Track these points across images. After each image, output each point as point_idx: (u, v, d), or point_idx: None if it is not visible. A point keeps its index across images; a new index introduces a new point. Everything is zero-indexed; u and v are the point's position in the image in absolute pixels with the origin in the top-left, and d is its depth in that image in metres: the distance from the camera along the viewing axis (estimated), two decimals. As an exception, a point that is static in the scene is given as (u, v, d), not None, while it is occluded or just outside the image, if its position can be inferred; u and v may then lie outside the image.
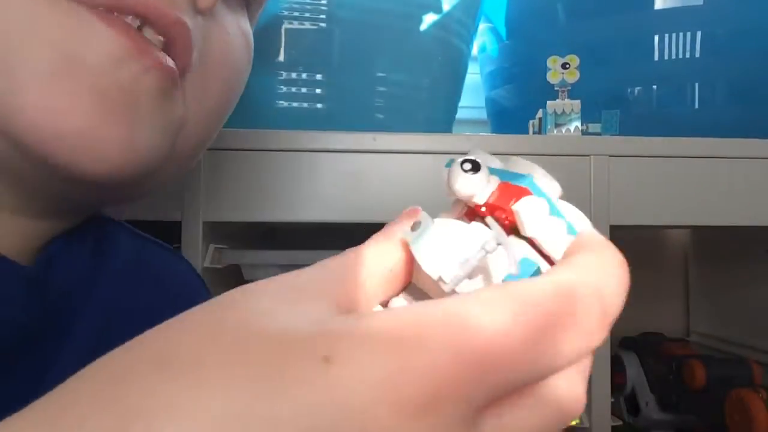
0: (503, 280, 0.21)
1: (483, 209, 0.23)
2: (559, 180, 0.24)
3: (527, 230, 0.22)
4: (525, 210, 0.22)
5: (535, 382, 0.19)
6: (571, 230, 0.23)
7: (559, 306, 0.18)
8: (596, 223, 0.80)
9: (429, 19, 0.77)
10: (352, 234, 0.66)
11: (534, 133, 0.81)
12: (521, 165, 0.24)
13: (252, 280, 0.20)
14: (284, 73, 0.73)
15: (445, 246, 0.21)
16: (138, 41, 0.30)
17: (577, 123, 0.77)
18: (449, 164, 0.24)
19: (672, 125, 0.83)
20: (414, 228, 0.22)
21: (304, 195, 0.67)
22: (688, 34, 0.83)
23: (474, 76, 1.06)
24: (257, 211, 0.67)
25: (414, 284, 0.23)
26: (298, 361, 0.16)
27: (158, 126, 0.32)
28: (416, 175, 0.68)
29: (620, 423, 0.74)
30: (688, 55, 0.83)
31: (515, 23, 0.95)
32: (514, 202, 0.22)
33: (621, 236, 0.76)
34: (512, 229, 0.23)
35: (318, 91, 0.74)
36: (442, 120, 0.87)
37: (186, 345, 0.17)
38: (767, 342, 0.99)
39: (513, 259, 0.20)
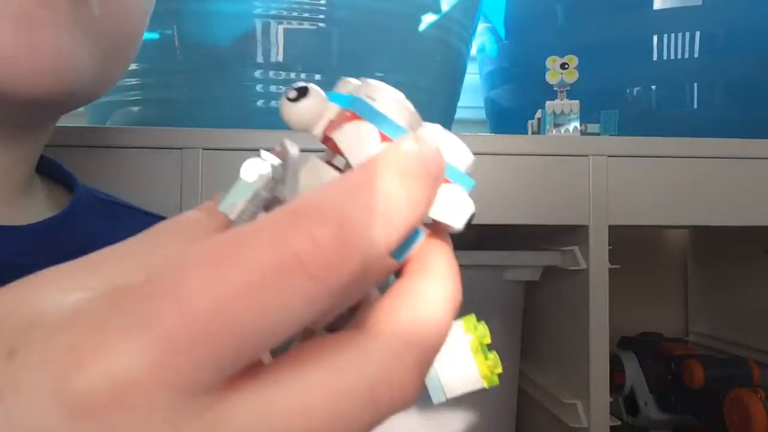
0: None
1: (328, 145, 0.20)
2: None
3: (351, 160, 0.19)
4: (345, 137, 0.19)
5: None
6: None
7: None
8: (595, 224, 0.79)
9: (428, 19, 0.77)
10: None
11: (533, 133, 0.81)
12: (366, 86, 0.21)
13: None
14: (283, 74, 0.73)
15: (239, 184, 0.18)
16: None
17: (576, 123, 0.77)
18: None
19: (671, 125, 0.83)
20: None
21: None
22: (687, 34, 0.83)
23: (473, 76, 1.06)
24: (256, 211, 0.66)
25: None
26: None
27: (82, 35, 0.32)
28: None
29: (619, 423, 0.74)
30: (686, 56, 0.83)
31: (514, 23, 0.95)
32: (336, 131, 0.19)
33: (620, 236, 0.76)
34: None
35: (317, 91, 0.74)
36: (441, 120, 0.86)
37: None
38: (766, 342, 0.99)
39: (296, 187, 0.18)
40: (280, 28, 0.72)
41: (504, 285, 0.84)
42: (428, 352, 0.18)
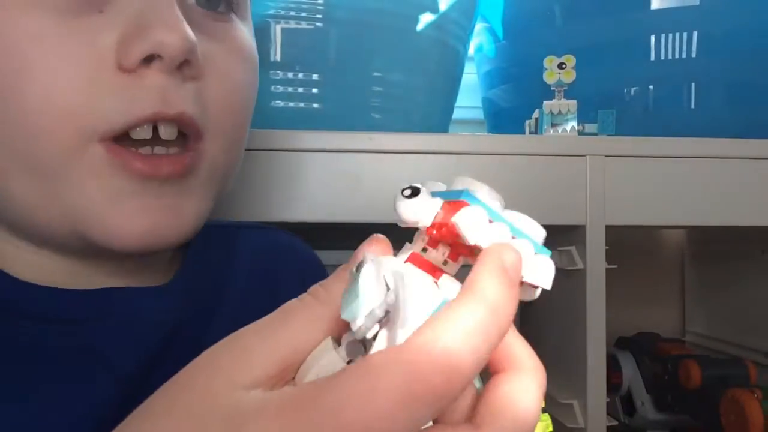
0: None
1: (434, 232, 0.24)
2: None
3: (468, 238, 0.23)
4: (463, 219, 0.23)
5: None
6: (516, 233, 0.24)
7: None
8: (592, 224, 0.79)
9: (425, 19, 0.77)
10: (347, 234, 0.66)
11: (530, 133, 0.81)
12: (460, 182, 0.25)
13: None
14: (281, 73, 0.73)
15: (359, 296, 0.23)
16: (150, 162, 0.36)
17: (574, 123, 0.77)
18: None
19: (668, 125, 0.83)
20: (358, 269, 0.24)
21: (299, 195, 0.67)
22: (685, 34, 0.83)
23: (470, 76, 1.06)
24: (252, 211, 0.66)
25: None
26: None
27: (194, 193, 0.39)
28: (412, 175, 0.68)
29: (616, 423, 0.74)
30: (684, 56, 0.83)
31: (512, 23, 0.95)
32: (455, 215, 0.23)
33: (617, 236, 0.76)
34: (469, 251, 0.24)
35: (314, 90, 0.74)
36: (439, 120, 0.87)
37: None
38: (763, 342, 0.99)
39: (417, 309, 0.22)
40: (278, 27, 0.72)
41: (501, 285, 0.83)
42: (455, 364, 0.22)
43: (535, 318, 0.90)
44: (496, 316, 0.22)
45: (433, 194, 0.25)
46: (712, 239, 1.15)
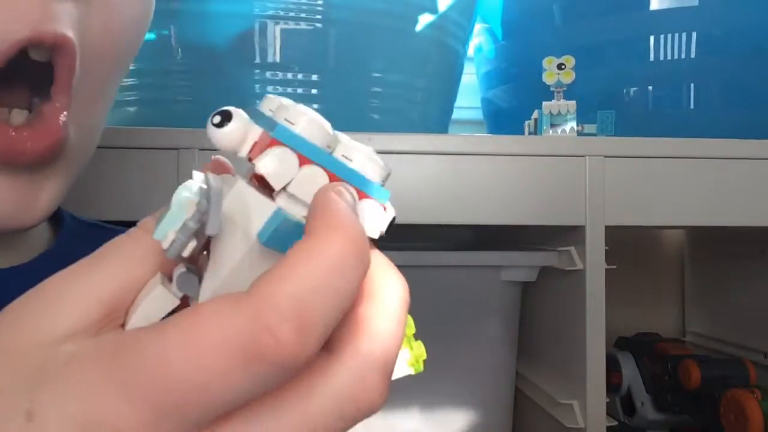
0: (257, 234, 0.20)
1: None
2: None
3: (274, 185, 0.21)
4: (266, 165, 0.21)
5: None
6: (341, 171, 0.22)
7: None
8: (592, 224, 0.79)
9: (425, 19, 0.77)
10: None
11: (530, 133, 0.81)
12: (281, 109, 0.22)
13: None
14: (280, 74, 0.73)
15: (171, 208, 0.20)
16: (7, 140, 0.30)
17: (573, 123, 0.77)
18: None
19: (667, 126, 0.83)
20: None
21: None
22: (684, 34, 0.83)
23: (470, 77, 1.06)
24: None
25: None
26: (5, 415, 0.17)
27: (54, 173, 0.33)
28: (412, 175, 0.68)
29: (616, 423, 0.74)
30: (683, 56, 0.83)
31: (511, 24, 0.95)
32: (257, 159, 0.21)
33: (616, 237, 0.76)
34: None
35: (314, 91, 0.74)
36: (438, 120, 0.87)
37: None
38: (762, 342, 0.99)
39: (217, 217, 0.19)
40: (278, 28, 0.72)
41: (501, 285, 0.84)
42: (388, 365, 0.20)
43: (534, 318, 0.90)
44: (343, 274, 0.18)
45: (254, 116, 0.22)
46: (711, 239, 1.15)
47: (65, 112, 0.31)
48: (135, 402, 0.17)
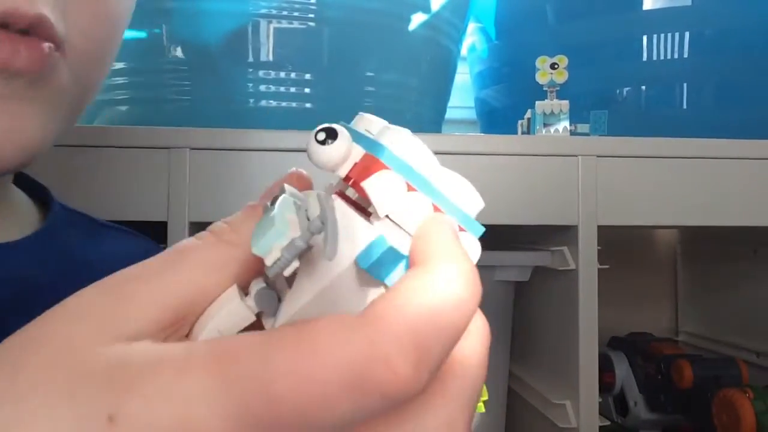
0: (355, 259, 0.19)
1: (350, 183, 0.21)
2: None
3: (379, 211, 0.20)
4: (375, 189, 0.20)
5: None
6: (443, 203, 0.21)
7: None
8: (584, 224, 0.79)
9: (418, 19, 0.77)
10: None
11: (523, 133, 0.81)
12: (385, 131, 0.22)
13: None
14: (273, 73, 0.72)
15: (276, 224, 0.19)
16: None
17: (566, 123, 0.77)
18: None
19: (660, 126, 0.83)
20: (273, 202, 0.20)
21: (292, 195, 0.66)
22: (677, 34, 0.83)
23: (463, 76, 1.06)
24: (245, 211, 0.66)
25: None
26: (84, 421, 0.16)
27: (42, 107, 0.32)
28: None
29: (609, 423, 0.74)
30: (676, 56, 0.83)
31: (504, 23, 0.95)
32: (365, 179, 0.20)
33: (609, 236, 0.76)
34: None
35: (306, 90, 0.73)
36: (432, 120, 0.86)
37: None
38: (755, 342, 0.99)
39: (334, 241, 0.18)
40: (271, 27, 0.72)
41: (494, 285, 0.83)
42: (473, 408, 0.19)
43: (527, 318, 0.90)
44: (459, 308, 0.18)
45: (354, 136, 0.21)
46: (704, 239, 1.15)
47: (51, 45, 0.30)
48: (229, 418, 0.16)
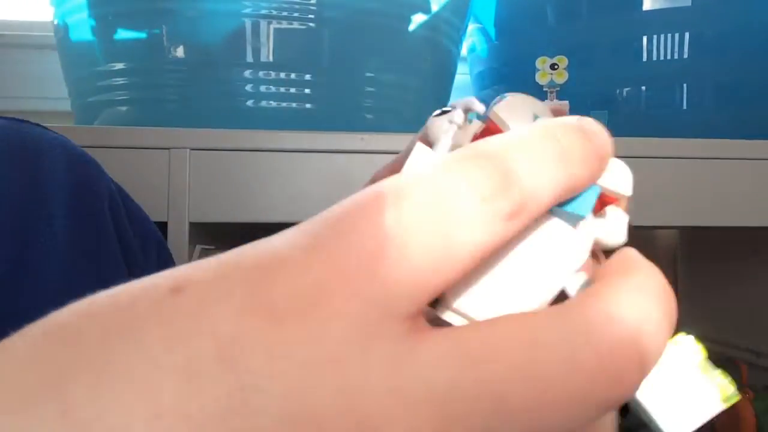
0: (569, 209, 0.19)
1: None
2: None
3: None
4: (504, 110, 0.22)
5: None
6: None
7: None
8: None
9: (418, 19, 0.77)
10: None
11: (523, 133, 0.81)
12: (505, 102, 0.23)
13: None
14: (273, 73, 0.72)
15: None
16: None
17: (566, 123, 0.77)
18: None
19: (660, 126, 0.83)
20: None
21: (292, 195, 0.67)
22: (677, 35, 0.83)
23: (463, 77, 1.06)
24: (244, 211, 0.66)
25: None
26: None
27: None
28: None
29: (609, 423, 0.74)
30: (676, 56, 0.83)
31: (504, 24, 0.95)
32: (497, 104, 0.22)
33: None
34: None
35: (306, 91, 0.73)
36: (431, 120, 0.86)
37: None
38: (755, 342, 0.99)
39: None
40: (270, 27, 0.72)
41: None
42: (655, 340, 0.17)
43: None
44: (671, 308, 0.17)
45: (471, 118, 0.22)
46: (705, 240, 1.15)
47: None
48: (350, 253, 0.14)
